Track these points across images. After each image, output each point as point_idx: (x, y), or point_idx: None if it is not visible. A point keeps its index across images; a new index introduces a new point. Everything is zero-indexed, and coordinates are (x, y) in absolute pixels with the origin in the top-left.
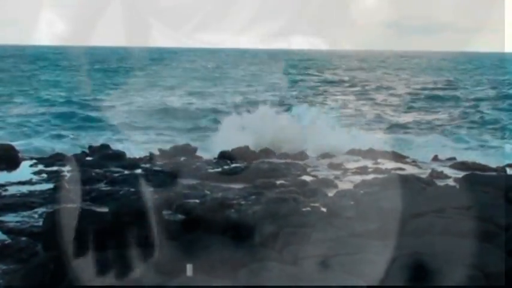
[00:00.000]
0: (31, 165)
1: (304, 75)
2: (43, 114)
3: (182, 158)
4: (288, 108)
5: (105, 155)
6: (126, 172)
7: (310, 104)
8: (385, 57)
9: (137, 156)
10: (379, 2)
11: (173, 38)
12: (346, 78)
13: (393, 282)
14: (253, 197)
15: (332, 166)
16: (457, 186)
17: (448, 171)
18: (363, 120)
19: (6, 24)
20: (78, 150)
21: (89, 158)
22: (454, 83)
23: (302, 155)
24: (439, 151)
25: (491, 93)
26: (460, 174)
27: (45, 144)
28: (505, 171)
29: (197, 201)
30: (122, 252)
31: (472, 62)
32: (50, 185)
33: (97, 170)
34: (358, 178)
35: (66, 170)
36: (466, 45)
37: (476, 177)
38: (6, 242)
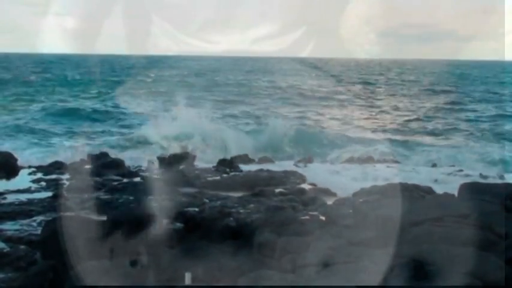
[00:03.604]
0: (30, 174)
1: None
2: None
3: (181, 166)
4: None
5: (104, 163)
6: (125, 180)
7: None
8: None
9: (136, 165)
10: (378, 10)
11: (176, 45)
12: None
13: None
14: (252, 205)
15: (331, 174)
16: (456, 195)
17: (446, 178)
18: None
19: (7, 31)
20: (78, 159)
21: (87, 166)
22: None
23: (304, 162)
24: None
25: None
26: (459, 182)
27: None
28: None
29: (196, 209)
30: (121, 261)
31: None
32: (49, 193)
33: (96, 178)
34: (357, 186)
35: (65, 178)
36: (466, 54)
37: (475, 185)
38: (4, 250)
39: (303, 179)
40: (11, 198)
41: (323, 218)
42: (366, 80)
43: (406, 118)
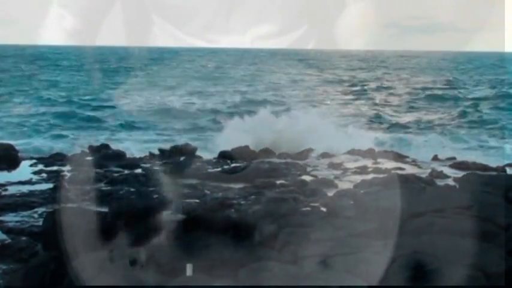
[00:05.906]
0: (31, 165)
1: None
2: (43, 114)
3: (182, 158)
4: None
5: (105, 155)
6: (126, 172)
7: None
8: (386, 57)
9: (137, 156)
10: (380, 2)
11: (174, 37)
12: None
13: (393, 281)
14: (253, 196)
15: (332, 166)
16: (457, 186)
17: (448, 171)
18: (362, 120)
19: (7, 23)
20: (78, 150)
21: (89, 158)
22: (453, 82)
23: (302, 155)
24: (439, 151)
25: (491, 92)
26: (460, 174)
27: (45, 144)
28: (505, 171)
29: (197, 201)
30: (122, 252)
31: (472, 62)
32: (50, 185)
33: (97, 170)
34: (358, 178)
35: (66, 170)
36: (466, 45)
37: (476, 177)
38: (6, 242)
39: (304, 171)
40: (12, 189)
41: (324, 209)
42: None
43: None
